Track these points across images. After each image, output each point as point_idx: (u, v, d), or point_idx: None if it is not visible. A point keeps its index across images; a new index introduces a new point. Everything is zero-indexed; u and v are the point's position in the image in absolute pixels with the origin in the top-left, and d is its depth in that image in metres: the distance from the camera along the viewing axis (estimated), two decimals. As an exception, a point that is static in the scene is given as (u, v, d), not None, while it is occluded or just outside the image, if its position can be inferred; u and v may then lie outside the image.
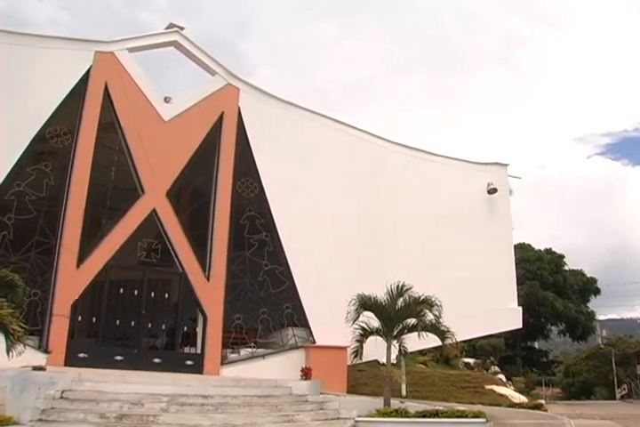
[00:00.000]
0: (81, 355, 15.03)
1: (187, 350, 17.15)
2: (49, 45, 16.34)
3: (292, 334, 18.22)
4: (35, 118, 15.63)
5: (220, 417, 10.99)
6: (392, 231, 20.55)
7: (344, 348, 16.17)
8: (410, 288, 14.32)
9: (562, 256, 56.18)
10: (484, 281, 21.00)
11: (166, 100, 17.92)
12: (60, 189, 15.87)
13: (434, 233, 21.28)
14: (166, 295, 17.38)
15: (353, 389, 18.05)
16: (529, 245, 55.07)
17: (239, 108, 18.94)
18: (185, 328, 17.64)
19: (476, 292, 20.55)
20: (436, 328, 14.06)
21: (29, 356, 11.26)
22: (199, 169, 18.09)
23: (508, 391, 24.69)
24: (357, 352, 14.33)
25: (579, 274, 56.31)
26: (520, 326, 23.03)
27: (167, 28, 18.70)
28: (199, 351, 16.81)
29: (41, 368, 11.28)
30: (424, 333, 14.02)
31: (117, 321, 16.25)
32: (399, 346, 14.48)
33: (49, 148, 16.01)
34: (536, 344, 59.53)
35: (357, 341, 14.28)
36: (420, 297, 14.13)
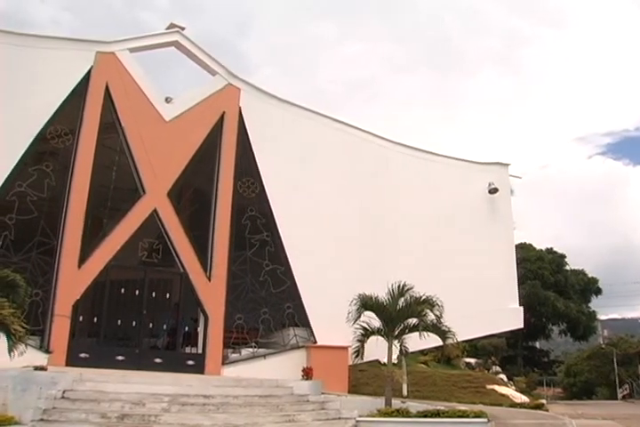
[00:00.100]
0: (82, 355, 15.05)
1: (188, 350, 17.17)
2: (50, 46, 16.37)
3: (294, 334, 18.23)
4: (36, 118, 15.66)
5: (221, 417, 10.99)
6: (393, 231, 20.56)
7: (345, 348, 16.17)
8: (411, 288, 14.31)
9: (563, 256, 56.12)
10: (485, 281, 21.01)
11: (167, 100, 17.94)
12: (61, 189, 15.89)
13: (435, 233, 21.29)
14: (167, 295, 17.41)
15: (354, 389, 18.06)
16: (530, 245, 54.98)
17: (240, 108, 18.96)
18: (186, 328, 17.66)
19: (478, 292, 20.56)
20: (437, 328, 14.05)
21: (31, 356, 11.28)
22: (200, 169, 18.10)
23: (510, 391, 24.66)
24: (359, 352, 14.32)
25: (580, 274, 56.24)
26: (521, 325, 23.05)
27: (168, 28, 18.73)
28: (200, 351, 16.83)
29: (42, 368, 11.29)
30: (425, 333, 14.01)
31: (119, 321, 16.27)
32: (400, 346, 14.47)
33: (50, 148, 16.03)
34: (537, 344, 59.49)
35: (358, 340, 14.28)
36: (421, 297, 14.12)
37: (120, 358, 15.55)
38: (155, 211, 16.90)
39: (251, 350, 17.52)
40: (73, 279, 15.28)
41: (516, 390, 26.67)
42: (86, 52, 16.83)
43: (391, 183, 21.09)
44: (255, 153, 18.79)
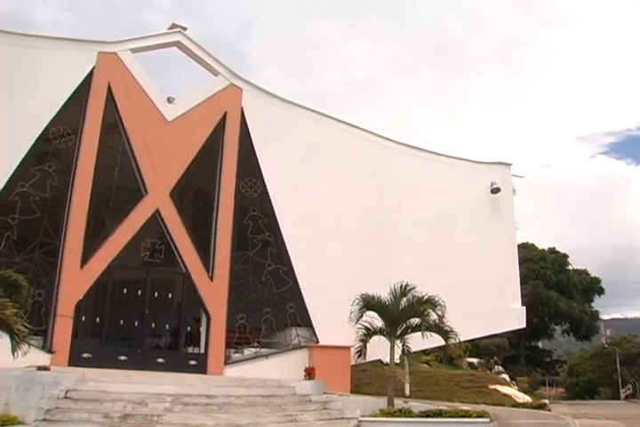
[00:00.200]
0: (85, 355, 15.07)
1: (190, 349, 17.16)
2: (52, 46, 16.38)
3: (296, 334, 18.22)
4: (38, 119, 15.66)
5: (223, 417, 11.00)
6: (395, 231, 20.54)
7: (347, 348, 16.19)
8: (413, 288, 14.32)
9: (565, 256, 56.13)
10: (487, 281, 20.99)
11: (169, 100, 17.95)
12: (63, 189, 15.89)
13: (437, 233, 21.27)
14: (170, 295, 17.44)
15: (356, 389, 18.05)
16: (532, 245, 54.98)
17: (242, 108, 18.96)
18: (188, 328, 17.66)
19: (480, 291, 20.53)
20: (439, 328, 14.06)
21: (33, 356, 11.25)
22: (202, 169, 18.11)
23: (512, 391, 24.68)
24: (361, 352, 14.33)
25: (582, 273, 56.25)
26: (524, 325, 23.01)
27: (170, 28, 18.73)
28: (203, 351, 16.82)
29: (45, 368, 11.32)
30: (428, 332, 14.03)
31: (121, 321, 16.29)
32: (403, 346, 14.47)
33: (52, 148, 16.04)
34: (540, 344, 59.50)
35: (361, 340, 14.28)
36: (423, 297, 14.13)
37: (122, 358, 15.56)
38: (157, 211, 16.91)
39: (253, 350, 17.52)
40: (75, 279, 15.29)
41: (518, 390, 26.71)
42: (88, 53, 16.85)
43: (393, 183, 21.08)
44: (257, 153, 18.78)
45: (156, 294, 16.87)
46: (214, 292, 17.17)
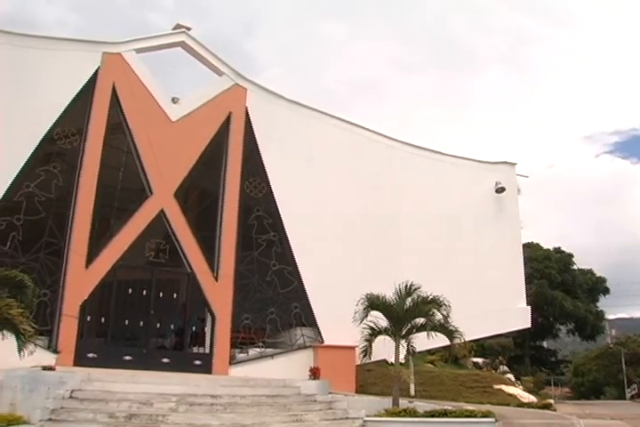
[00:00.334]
0: (90, 355, 15.09)
1: (195, 349, 17.20)
2: (57, 47, 16.42)
3: (301, 334, 18.23)
4: (43, 119, 15.70)
5: (228, 417, 11.01)
6: (400, 231, 20.53)
7: (352, 347, 16.17)
8: (418, 288, 14.31)
9: (570, 255, 56.02)
10: (492, 280, 20.98)
11: (174, 100, 17.97)
12: (68, 189, 15.92)
13: (441, 232, 21.26)
14: (175, 295, 17.46)
15: (361, 388, 18.05)
16: (537, 245, 54.88)
17: (247, 108, 18.96)
18: (193, 328, 17.67)
19: (485, 291, 20.52)
20: (444, 328, 14.05)
21: (39, 356, 11.31)
22: (207, 169, 18.12)
23: (517, 391, 24.61)
24: (366, 352, 14.33)
25: (588, 273, 56.13)
26: (529, 325, 23.00)
27: (174, 28, 18.73)
28: (208, 351, 16.85)
29: (50, 368, 11.33)
30: (433, 332, 14.02)
31: (126, 321, 16.31)
32: (407, 346, 14.47)
33: (57, 149, 16.07)
34: (545, 344, 59.36)
35: (366, 340, 14.28)
36: (428, 297, 14.12)
37: (128, 358, 15.58)
38: (162, 211, 16.93)
39: (258, 349, 17.53)
40: (80, 280, 15.32)
41: (523, 390, 26.61)
42: (93, 53, 16.87)
43: (398, 183, 21.06)
44: (262, 153, 18.79)
45: (160, 294, 16.89)
46: (219, 292, 17.18)
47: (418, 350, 15.33)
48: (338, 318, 16.17)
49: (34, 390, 10.32)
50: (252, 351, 17.46)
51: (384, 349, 14.54)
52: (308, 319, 18.37)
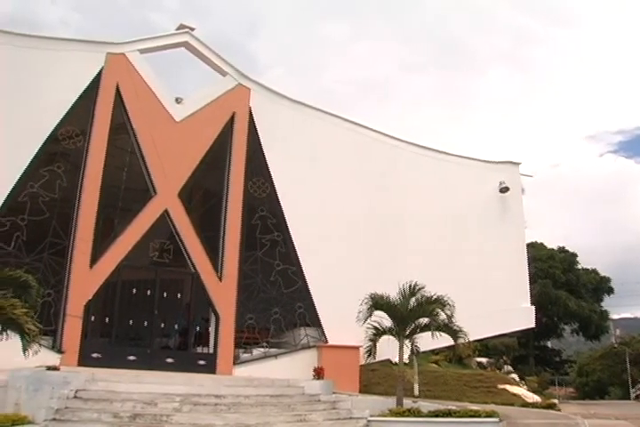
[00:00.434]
0: (94, 355, 15.11)
1: (199, 349, 17.20)
2: (60, 47, 16.44)
3: (305, 334, 18.23)
4: (47, 120, 15.72)
5: (232, 417, 11.01)
6: (404, 231, 20.49)
7: (356, 347, 16.19)
8: (422, 288, 14.30)
9: (574, 255, 55.95)
10: (496, 280, 20.92)
11: (177, 100, 17.99)
12: (72, 190, 15.94)
13: (445, 232, 21.23)
14: (179, 295, 17.49)
15: (365, 388, 18.04)
16: (541, 244, 54.84)
17: (250, 108, 18.97)
18: (197, 328, 17.68)
19: (489, 291, 20.47)
20: (448, 328, 14.04)
21: (43, 356, 11.29)
22: (211, 169, 18.13)
23: (521, 391, 24.64)
24: (371, 351, 14.33)
25: (592, 273, 56.06)
26: (533, 325, 22.93)
27: (178, 28, 18.75)
28: (212, 351, 16.85)
29: (55, 368, 11.34)
30: (437, 332, 14.00)
31: (130, 321, 16.34)
32: (412, 345, 14.47)
33: (61, 149, 16.10)
34: (549, 344, 59.28)
35: (370, 340, 14.28)
36: (432, 297, 14.11)
37: (132, 358, 15.60)
38: (166, 211, 16.93)
39: (262, 349, 17.53)
40: (85, 280, 15.34)
41: (527, 390, 26.66)
42: (96, 54, 16.89)
43: (403, 183, 21.03)
44: (265, 153, 18.79)
45: (165, 294, 16.91)
46: (223, 292, 17.19)
47: (422, 349, 15.30)
48: (342, 318, 16.16)
49: (38, 389, 10.34)
50: (256, 351, 17.47)
51: (388, 349, 14.51)
52: (312, 319, 18.36)
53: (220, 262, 17.42)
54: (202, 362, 16.53)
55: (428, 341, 14.32)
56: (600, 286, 55.45)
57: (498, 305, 20.50)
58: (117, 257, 16.03)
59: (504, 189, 22.67)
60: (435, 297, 14.08)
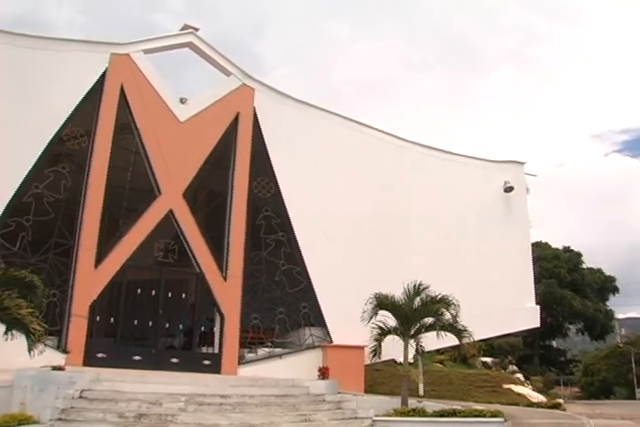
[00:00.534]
0: (99, 355, 15.14)
1: (204, 349, 17.20)
2: (65, 48, 16.46)
3: (309, 334, 18.23)
4: (52, 121, 15.76)
5: (237, 417, 11.01)
6: (408, 231, 20.49)
7: (361, 347, 16.16)
8: (427, 287, 14.30)
9: (579, 254, 55.86)
10: (501, 280, 20.90)
11: (182, 100, 18.01)
12: (77, 190, 15.97)
13: (450, 232, 21.22)
14: (183, 295, 17.48)
15: (370, 388, 18.02)
16: (546, 244, 54.74)
17: (254, 108, 18.97)
18: (202, 328, 17.69)
19: (494, 291, 20.45)
20: (453, 327, 14.03)
21: (48, 356, 11.33)
22: (215, 169, 18.14)
23: (526, 391, 24.57)
24: (376, 351, 14.33)
25: (597, 272, 55.94)
26: (538, 324, 22.93)
27: (182, 29, 18.76)
28: (217, 351, 16.86)
29: (60, 368, 11.36)
30: (441, 332, 13.99)
31: (135, 321, 16.35)
32: (416, 345, 14.47)
33: (66, 149, 16.13)
34: (554, 343, 59.19)
35: (375, 340, 14.28)
36: (437, 296, 14.11)
37: (137, 357, 15.62)
38: (170, 211, 16.95)
39: (267, 349, 17.54)
40: (90, 280, 15.37)
41: (532, 390, 26.58)
42: (101, 54, 16.91)
43: (406, 183, 21.02)
44: (270, 153, 18.79)
45: (169, 295, 16.93)
46: (228, 292, 17.20)
47: (427, 349, 15.31)
48: (346, 318, 16.15)
49: (44, 389, 10.35)
50: (261, 351, 17.48)
51: (393, 348, 14.51)
52: (317, 319, 18.37)
53: (225, 262, 17.43)
54: (207, 362, 16.54)
55: (433, 340, 14.30)
56: (605, 285, 55.33)
57: (503, 305, 20.48)
58: (122, 257, 16.05)
59: (509, 189, 22.65)
60: (439, 297, 14.08)
